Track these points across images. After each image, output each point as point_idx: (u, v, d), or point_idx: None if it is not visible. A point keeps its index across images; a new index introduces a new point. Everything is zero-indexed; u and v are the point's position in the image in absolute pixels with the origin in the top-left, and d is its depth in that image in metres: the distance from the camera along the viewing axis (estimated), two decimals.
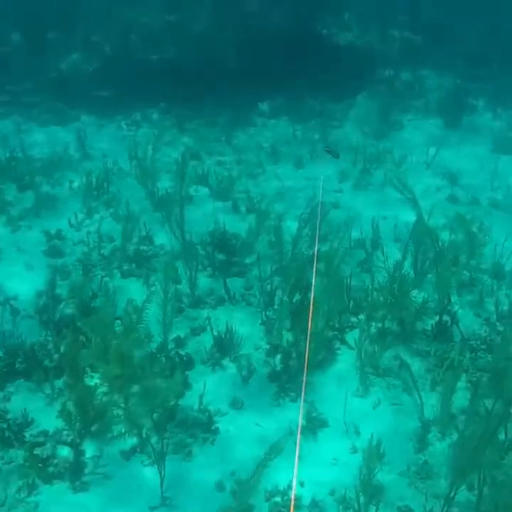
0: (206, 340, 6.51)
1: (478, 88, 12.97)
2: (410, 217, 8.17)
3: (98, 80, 11.65)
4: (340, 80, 11.80)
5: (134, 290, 7.20)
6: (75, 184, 9.27)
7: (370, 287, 6.86)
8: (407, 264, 7.27)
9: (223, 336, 6.33)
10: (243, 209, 8.86)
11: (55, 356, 6.05)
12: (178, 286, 7.17)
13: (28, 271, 7.59)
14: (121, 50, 11.60)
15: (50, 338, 6.33)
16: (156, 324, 6.38)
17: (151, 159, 9.61)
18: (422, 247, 7.44)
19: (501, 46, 13.41)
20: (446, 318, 6.63)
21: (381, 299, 6.53)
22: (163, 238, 8.07)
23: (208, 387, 5.88)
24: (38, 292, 7.04)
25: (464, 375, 5.98)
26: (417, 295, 6.92)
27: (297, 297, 6.61)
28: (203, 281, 7.33)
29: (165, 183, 9.31)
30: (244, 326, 6.68)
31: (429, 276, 7.37)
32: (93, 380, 5.93)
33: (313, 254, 7.68)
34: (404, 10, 13.59)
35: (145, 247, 7.91)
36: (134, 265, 7.55)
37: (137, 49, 11.60)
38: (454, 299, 7.03)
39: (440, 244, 7.33)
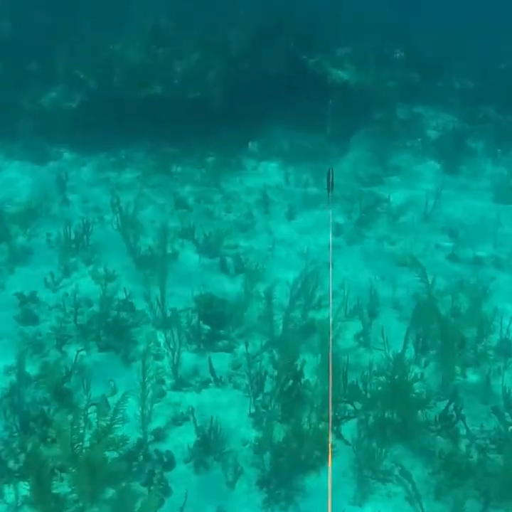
0: (189, 431, 5.88)
1: (477, 129, 12.58)
2: (410, 277, 7.80)
3: (81, 116, 11.11)
4: (334, 120, 11.43)
5: (113, 367, 6.63)
6: (53, 237, 8.63)
7: (368, 373, 6.32)
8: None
9: (207, 433, 5.73)
10: (232, 269, 8.28)
11: (21, 456, 5.46)
12: (160, 363, 6.67)
13: None
14: (105, 85, 11.04)
15: (16, 434, 5.69)
16: (134, 411, 5.86)
17: (134, 209, 9.08)
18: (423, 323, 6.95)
19: (501, 83, 13.12)
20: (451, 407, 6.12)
21: (380, 388, 6.04)
22: (144, 303, 7.54)
23: (190, 493, 5.34)
24: (6, 368, 6.52)
25: (472, 481, 5.50)
26: (418, 374, 6.48)
27: (289, 383, 6.14)
28: (187, 356, 6.77)
29: (148, 237, 8.73)
30: (231, 414, 6.12)
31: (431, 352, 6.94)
32: (63, 485, 5.37)
33: (306, 324, 7.32)
34: (400, 46, 13.26)
35: (125, 314, 7.36)
36: (112, 337, 7.06)
37: (122, 84, 11.03)
38: (458, 379, 6.57)
39: (443, 320, 6.84)
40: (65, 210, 9.44)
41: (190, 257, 8.55)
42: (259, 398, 6.21)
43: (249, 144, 11.38)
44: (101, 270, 7.98)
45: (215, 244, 8.56)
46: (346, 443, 5.81)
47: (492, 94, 12.99)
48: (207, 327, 7.06)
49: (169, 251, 8.34)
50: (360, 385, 6.20)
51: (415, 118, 12.64)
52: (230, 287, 7.91)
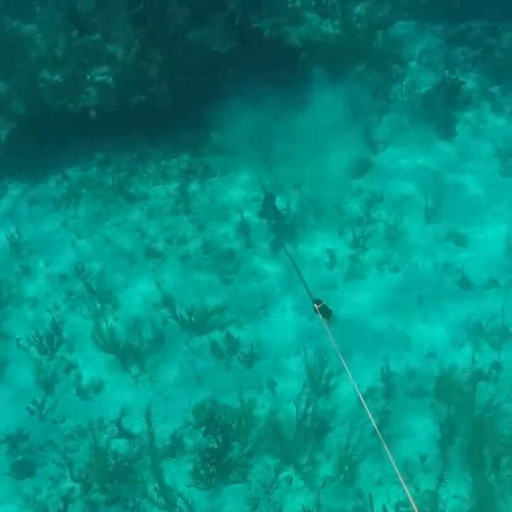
0: None
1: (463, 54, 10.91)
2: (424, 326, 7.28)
3: (15, 144, 9.65)
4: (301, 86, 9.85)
5: None
6: (22, 341, 7.76)
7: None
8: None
9: None
10: (224, 349, 7.56)
11: None
12: None
13: None
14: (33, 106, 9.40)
15: None
16: None
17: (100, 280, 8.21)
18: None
19: None
20: None
21: None
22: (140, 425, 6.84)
23: None
24: None
25: None
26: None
27: None
28: (198, 496, 6.47)
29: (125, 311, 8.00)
30: None
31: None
32: None
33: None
34: None
35: (122, 445, 6.86)
36: (116, 483, 6.63)
37: (51, 101, 9.40)
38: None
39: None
40: (26, 287, 8.43)
41: (176, 337, 7.73)
42: None
43: None
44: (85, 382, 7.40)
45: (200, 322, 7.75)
46: None
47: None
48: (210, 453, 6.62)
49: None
50: None
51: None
52: (227, 379, 7.24)
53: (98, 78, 9.41)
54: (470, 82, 10.28)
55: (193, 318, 7.68)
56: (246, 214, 8.82)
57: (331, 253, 8.32)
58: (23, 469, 6.69)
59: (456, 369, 6.97)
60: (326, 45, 9.98)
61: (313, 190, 9.07)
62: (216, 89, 9.48)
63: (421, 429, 6.64)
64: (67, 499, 6.38)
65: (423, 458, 6.44)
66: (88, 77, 9.43)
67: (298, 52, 9.87)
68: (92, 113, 9.27)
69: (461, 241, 8.35)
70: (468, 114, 9.90)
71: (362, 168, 9.33)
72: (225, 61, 9.49)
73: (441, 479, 6.17)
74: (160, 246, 8.68)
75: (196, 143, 9.81)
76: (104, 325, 7.61)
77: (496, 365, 7.04)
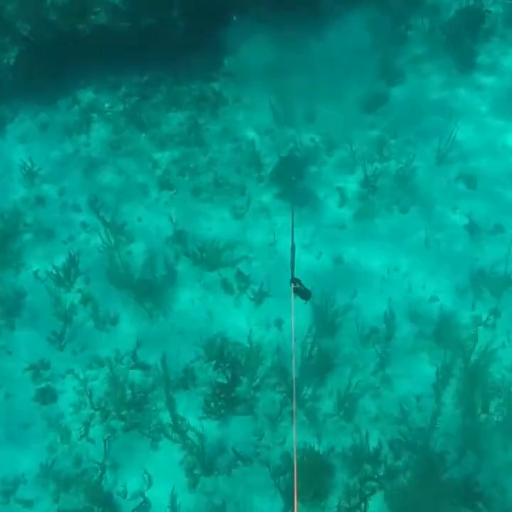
0: None
1: None
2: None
3: (24, 67, 9.39)
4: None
5: (141, 451, 6.85)
6: (40, 272, 8.07)
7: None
8: None
9: None
10: (235, 286, 7.83)
11: None
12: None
13: None
14: (40, 27, 9.06)
15: None
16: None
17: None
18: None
19: None
20: None
21: None
22: (155, 357, 7.31)
23: None
24: None
25: None
26: None
27: None
28: (210, 427, 6.98)
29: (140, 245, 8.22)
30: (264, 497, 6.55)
31: None
32: None
33: None
34: None
35: (138, 376, 7.35)
36: (132, 411, 7.13)
37: (60, 22, 9.03)
38: None
39: None
40: (41, 214, 8.62)
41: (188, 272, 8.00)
42: None
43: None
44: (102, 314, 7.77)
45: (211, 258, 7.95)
46: None
47: None
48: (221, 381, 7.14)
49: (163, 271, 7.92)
50: None
51: None
52: (236, 315, 7.60)
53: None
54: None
55: (204, 255, 7.99)
56: (258, 147, 8.91)
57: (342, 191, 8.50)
58: (47, 396, 7.27)
59: (456, 315, 7.34)
60: None
61: (325, 125, 9.05)
62: (230, 14, 9.24)
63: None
64: (88, 424, 7.01)
65: None
66: None
67: None
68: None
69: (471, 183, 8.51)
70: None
71: (376, 101, 9.26)
72: None
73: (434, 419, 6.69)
74: (172, 178, 8.81)
75: (209, 68, 9.63)
76: (118, 260, 7.93)
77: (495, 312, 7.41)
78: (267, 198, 8.51)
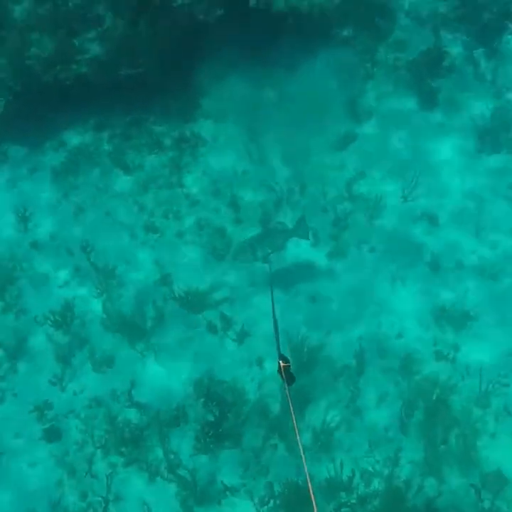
0: None
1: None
2: None
3: (11, 115, 9.85)
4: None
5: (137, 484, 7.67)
6: (39, 317, 8.66)
7: None
8: None
9: None
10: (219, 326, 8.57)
11: None
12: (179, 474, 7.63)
13: None
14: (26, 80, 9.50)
15: None
16: None
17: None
18: None
19: None
20: None
21: None
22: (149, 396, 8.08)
23: None
24: None
25: None
26: None
27: None
28: (200, 461, 7.73)
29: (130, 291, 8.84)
30: None
31: None
32: None
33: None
34: None
35: (134, 414, 8.03)
36: (130, 448, 7.86)
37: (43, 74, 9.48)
38: None
39: None
40: (37, 261, 9.19)
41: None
42: None
43: None
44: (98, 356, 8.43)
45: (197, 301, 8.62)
46: None
47: None
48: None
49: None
50: None
51: None
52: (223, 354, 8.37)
53: (87, 45, 9.62)
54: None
55: (189, 298, 8.66)
56: (235, 190, 9.53)
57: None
58: (52, 435, 7.99)
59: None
60: (314, 8, 10.01)
61: (298, 164, 9.66)
62: (204, 57, 9.78)
63: None
64: (90, 461, 7.74)
65: None
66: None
67: (284, 18, 9.89)
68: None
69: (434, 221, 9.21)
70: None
71: (346, 139, 9.89)
72: (212, 30, 9.64)
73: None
74: (157, 221, 9.39)
75: (187, 109, 10.17)
76: (109, 305, 8.59)
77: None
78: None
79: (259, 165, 9.66)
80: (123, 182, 9.74)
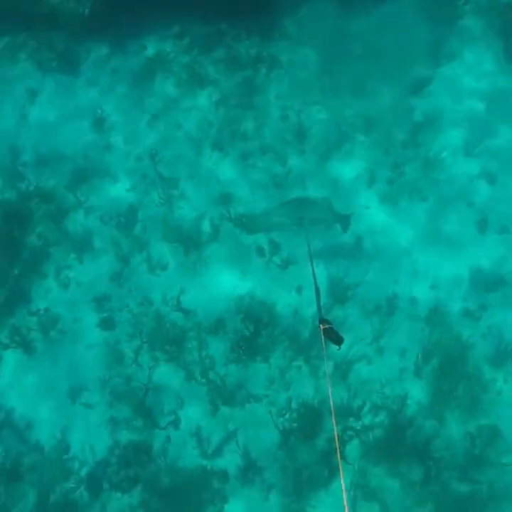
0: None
1: None
2: None
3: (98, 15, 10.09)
4: None
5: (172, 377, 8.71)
6: (105, 217, 9.45)
7: None
8: None
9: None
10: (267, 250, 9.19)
11: None
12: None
13: None
14: None
15: None
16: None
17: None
18: None
19: None
20: None
21: None
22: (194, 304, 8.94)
23: None
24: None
25: None
26: None
27: None
28: (232, 369, 8.66)
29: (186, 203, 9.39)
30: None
31: None
32: None
33: None
34: None
35: (180, 318, 8.95)
36: (173, 347, 8.82)
37: None
38: None
39: None
40: (108, 163, 9.87)
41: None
42: None
43: None
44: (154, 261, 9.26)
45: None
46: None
47: None
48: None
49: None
50: None
51: None
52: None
53: None
54: None
55: (243, 220, 9.25)
56: (302, 118, 9.79)
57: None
58: (107, 324, 9.06)
59: None
60: None
61: (368, 103, 9.73)
62: None
63: None
64: (137, 352, 8.82)
65: None
66: None
67: None
68: None
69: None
70: None
71: (421, 82, 9.81)
72: None
73: None
74: (224, 139, 9.87)
75: (268, 29, 10.24)
76: (169, 215, 9.29)
77: None
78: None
79: (330, 96, 9.88)
80: (196, 95, 10.17)
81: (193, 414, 8.42)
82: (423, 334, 8.55)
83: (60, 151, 9.85)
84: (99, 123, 10.02)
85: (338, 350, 5.35)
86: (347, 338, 8.35)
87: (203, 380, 8.49)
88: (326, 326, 5.46)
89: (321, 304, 5.94)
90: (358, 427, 8.07)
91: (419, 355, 8.31)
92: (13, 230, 9.46)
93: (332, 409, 5.19)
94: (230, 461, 8.22)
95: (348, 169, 9.52)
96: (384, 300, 8.75)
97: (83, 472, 8.21)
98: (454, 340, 8.34)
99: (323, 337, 5.47)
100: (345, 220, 8.40)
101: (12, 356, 8.88)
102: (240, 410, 8.53)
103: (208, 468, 8.17)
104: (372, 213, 9.27)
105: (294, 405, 8.27)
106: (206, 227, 9.33)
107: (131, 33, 10.42)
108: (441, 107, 9.68)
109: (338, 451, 5.77)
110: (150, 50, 10.42)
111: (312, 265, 6.17)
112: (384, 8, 9.91)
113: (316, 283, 6.06)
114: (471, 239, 9.00)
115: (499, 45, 9.90)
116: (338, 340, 5.39)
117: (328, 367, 5.25)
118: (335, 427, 5.14)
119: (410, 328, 8.63)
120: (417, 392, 8.27)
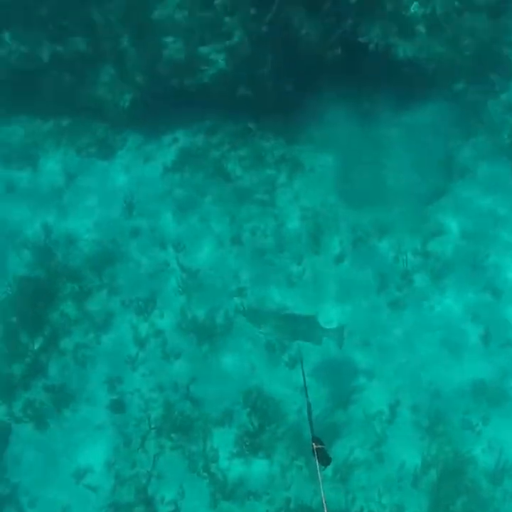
0: None
1: None
2: None
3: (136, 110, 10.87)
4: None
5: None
6: (126, 301, 9.94)
7: None
8: None
9: None
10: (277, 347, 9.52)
11: None
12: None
13: None
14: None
15: None
16: None
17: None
18: None
19: None
20: None
21: None
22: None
23: None
24: None
25: None
26: None
27: None
28: (235, 463, 8.89)
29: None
30: None
31: None
32: None
33: None
34: None
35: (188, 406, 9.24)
36: (180, 434, 9.11)
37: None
38: None
39: None
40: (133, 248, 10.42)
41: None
42: None
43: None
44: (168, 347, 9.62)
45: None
46: None
47: None
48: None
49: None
50: None
51: None
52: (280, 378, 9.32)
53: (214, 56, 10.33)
54: None
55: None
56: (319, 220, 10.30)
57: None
58: (117, 406, 9.37)
59: None
60: (431, 62, 10.23)
61: (383, 209, 10.22)
62: (317, 88, 10.31)
63: None
64: (144, 438, 9.09)
65: None
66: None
67: (399, 66, 10.22)
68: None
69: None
70: None
71: (435, 194, 10.31)
72: (329, 65, 10.12)
73: None
74: (244, 235, 10.37)
75: (293, 132, 10.88)
76: (189, 314, 9.69)
77: None
78: None
79: (347, 204, 10.40)
80: (221, 189, 10.77)
81: (193, 506, 8.63)
82: (423, 444, 8.77)
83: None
84: (128, 208, 10.65)
85: (323, 470, 5.32)
86: (347, 441, 8.69)
87: (205, 474, 8.75)
88: (319, 446, 5.37)
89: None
90: None
91: (418, 467, 8.50)
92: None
93: None
94: None
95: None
96: (386, 406, 9.05)
97: None
98: (454, 454, 8.53)
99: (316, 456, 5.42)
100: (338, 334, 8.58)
101: (23, 430, 9.29)
102: (239, 507, 8.74)
103: None
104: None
105: (292, 506, 8.49)
106: (220, 319, 9.78)
107: (165, 126, 11.11)
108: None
109: None
110: (181, 143, 11.08)
111: (304, 381, 6.20)
112: (400, 121, 10.49)
113: (308, 400, 5.98)
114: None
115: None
116: (326, 462, 5.35)
117: (322, 479, 5.46)
118: None
119: (411, 436, 8.85)
120: (415, 504, 8.45)
